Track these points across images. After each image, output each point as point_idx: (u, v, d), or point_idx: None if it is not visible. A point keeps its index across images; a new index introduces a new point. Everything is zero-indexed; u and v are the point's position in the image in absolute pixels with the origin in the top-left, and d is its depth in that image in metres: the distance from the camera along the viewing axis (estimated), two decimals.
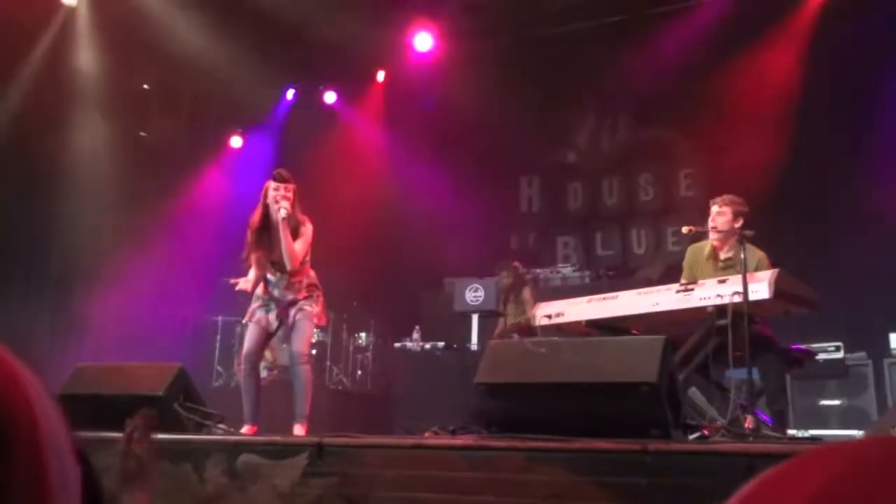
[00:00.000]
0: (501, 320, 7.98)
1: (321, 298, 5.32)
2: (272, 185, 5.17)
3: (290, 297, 5.22)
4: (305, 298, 5.21)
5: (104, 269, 9.54)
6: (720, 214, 5.18)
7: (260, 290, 5.32)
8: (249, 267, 5.32)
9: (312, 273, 5.34)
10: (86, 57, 9.64)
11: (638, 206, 10.60)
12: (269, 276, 5.28)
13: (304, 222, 5.18)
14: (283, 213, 5.00)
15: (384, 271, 10.43)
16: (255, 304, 5.32)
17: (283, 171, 5.21)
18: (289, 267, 5.09)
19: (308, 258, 5.28)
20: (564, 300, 5.24)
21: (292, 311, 5.19)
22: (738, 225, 5.09)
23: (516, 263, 8.16)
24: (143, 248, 9.51)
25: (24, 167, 9.35)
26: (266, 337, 5.27)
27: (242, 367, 5.26)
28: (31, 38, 9.33)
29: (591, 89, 10.72)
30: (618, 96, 10.54)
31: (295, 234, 5.13)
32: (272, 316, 5.21)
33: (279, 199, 5.08)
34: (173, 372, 4.61)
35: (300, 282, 5.23)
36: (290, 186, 5.14)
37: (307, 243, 5.17)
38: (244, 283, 5.29)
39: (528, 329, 7.43)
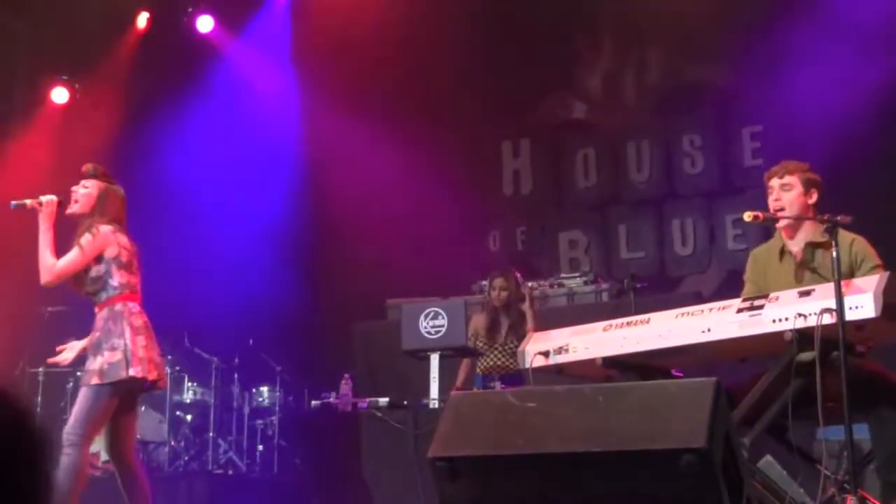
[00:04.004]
0: (465, 363, 7.94)
1: (125, 338, 5.51)
2: None
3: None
4: (94, 344, 5.55)
5: None
6: (785, 189, 5.18)
7: None
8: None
9: (121, 305, 5.62)
10: None
11: (682, 184, 10.63)
12: None
13: (92, 225, 5.60)
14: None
15: (295, 292, 10.35)
16: None
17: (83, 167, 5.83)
18: (41, 280, 5.53)
19: (113, 278, 5.62)
20: (570, 328, 5.22)
21: None
22: (811, 201, 5.11)
23: (517, 272, 8.16)
24: None
25: None
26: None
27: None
28: None
29: (607, 5, 10.74)
30: (647, 17, 10.57)
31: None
32: None
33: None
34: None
35: (101, 318, 5.60)
36: (90, 183, 5.76)
37: (86, 253, 5.55)
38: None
39: (514, 375, 7.44)
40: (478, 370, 7.96)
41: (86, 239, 5.52)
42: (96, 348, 5.50)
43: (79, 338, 9.38)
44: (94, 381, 5.40)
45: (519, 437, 3.70)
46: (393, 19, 10.69)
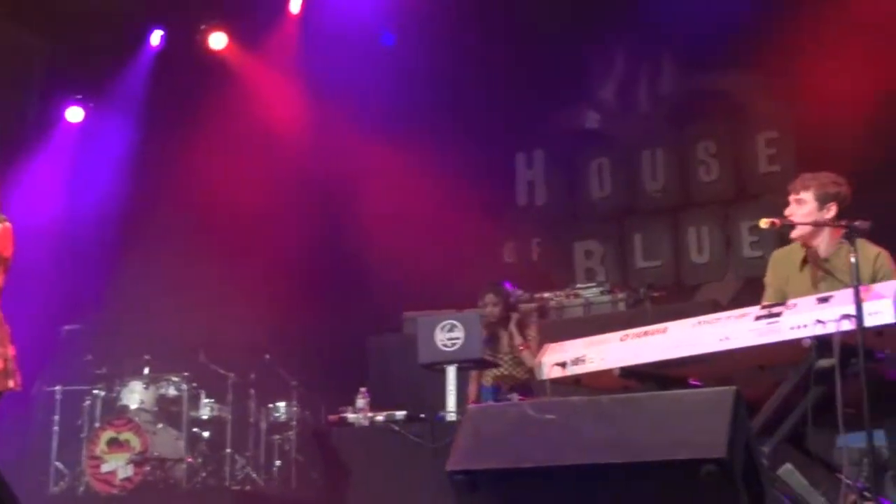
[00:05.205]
0: (474, 375, 7.92)
1: (6, 347, 5.30)
2: None
3: None
4: None
5: None
6: (798, 204, 5.27)
7: None
8: None
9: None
10: None
11: (696, 192, 10.64)
12: None
13: None
14: None
15: (310, 306, 10.36)
16: None
17: None
18: None
19: None
20: (586, 338, 5.21)
21: None
22: (829, 214, 5.18)
23: (507, 284, 8.14)
24: None
25: None
26: None
27: None
28: None
29: (618, 16, 10.75)
30: (660, 26, 10.58)
31: None
32: None
33: None
34: None
35: None
36: None
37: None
38: None
39: (525, 386, 7.43)
40: (484, 382, 7.97)
41: None
42: None
43: (94, 355, 9.52)
44: None
45: (538, 450, 3.68)
46: (403, 33, 10.75)
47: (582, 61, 11.15)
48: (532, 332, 7.89)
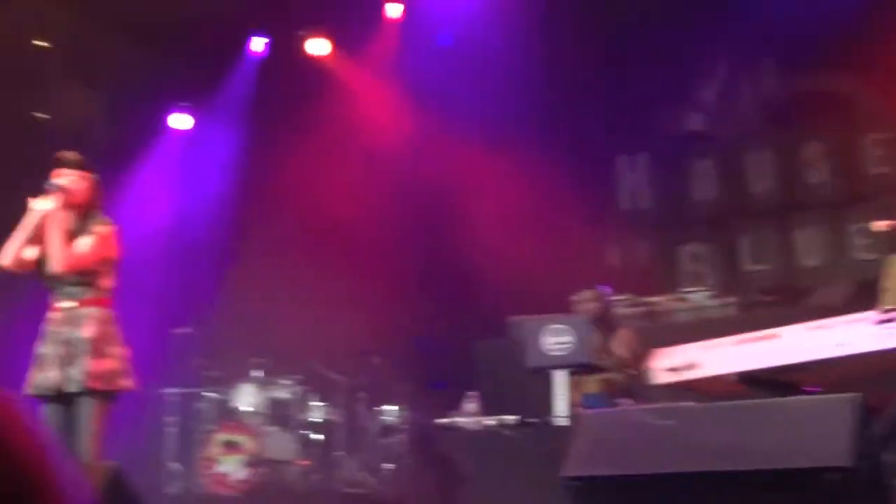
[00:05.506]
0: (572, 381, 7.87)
1: (122, 346, 5.35)
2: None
3: (73, 334, 5.23)
4: (94, 343, 5.21)
5: None
6: None
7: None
8: None
9: (112, 311, 5.41)
10: None
11: (804, 194, 10.46)
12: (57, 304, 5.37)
13: (104, 218, 5.41)
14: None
15: (418, 311, 10.42)
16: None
17: (65, 155, 5.47)
18: (57, 267, 5.22)
19: (108, 282, 5.40)
20: (697, 343, 5.17)
21: (72, 369, 5.19)
22: None
23: (605, 287, 8.09)
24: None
25: None
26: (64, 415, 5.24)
27: None
28: None
29: (720, 15, 10.64)
30: (763, 25, 10.44)
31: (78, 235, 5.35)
32: (52, 373, 5.21)
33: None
34: (105, 475, 4.61)
35: (93, 317, 5.29)
36: (82, 173, 5.46)
37: (102, 246, 5.32)
38: None
39: (629, 392, 7.37)
40: (587, 388, 7.89)
41: (106, 230, 5.38)
42: (94, 351, 5.23)
43: (207, 359, 9.69)
44: (98, 385, 5.18)
45: (655, 456, 3.67)
46: (506, 34, 10.74)
47: (684, 62, 11.03)
48: (630, 338, 7.82)
